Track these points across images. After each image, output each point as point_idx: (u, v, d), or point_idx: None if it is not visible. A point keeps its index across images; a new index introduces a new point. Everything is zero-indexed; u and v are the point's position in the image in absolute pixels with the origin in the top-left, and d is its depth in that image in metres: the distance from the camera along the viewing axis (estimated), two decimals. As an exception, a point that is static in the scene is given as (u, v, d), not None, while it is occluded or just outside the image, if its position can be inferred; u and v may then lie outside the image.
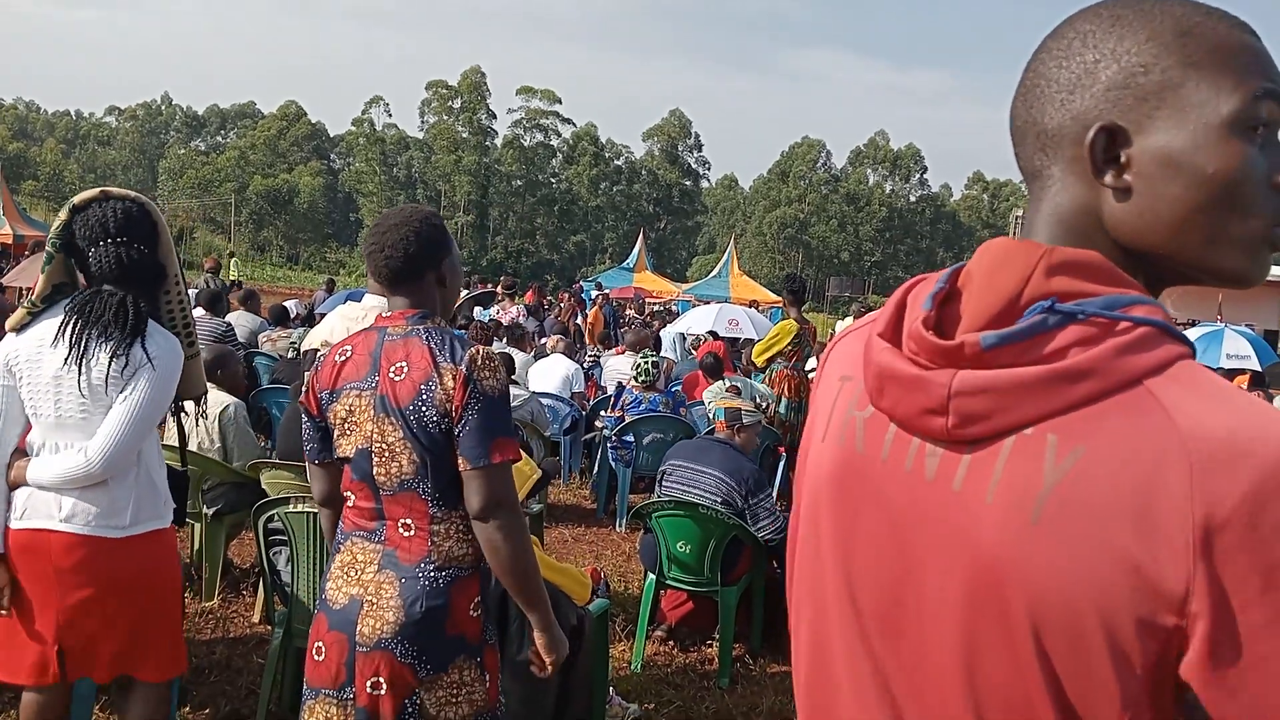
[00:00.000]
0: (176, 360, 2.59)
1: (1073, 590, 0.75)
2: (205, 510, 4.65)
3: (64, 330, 2.45)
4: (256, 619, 4.52)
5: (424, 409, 2.06)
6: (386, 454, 2.09)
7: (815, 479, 0.99)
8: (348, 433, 2.15)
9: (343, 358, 2.20)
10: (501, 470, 2.08)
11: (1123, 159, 0.84)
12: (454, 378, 2.06)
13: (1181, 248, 0.85)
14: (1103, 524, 0.74)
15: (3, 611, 2.50)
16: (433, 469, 2.08)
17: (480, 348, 2.13)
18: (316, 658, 2.14)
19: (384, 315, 2.22)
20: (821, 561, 0.98)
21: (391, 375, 2.10)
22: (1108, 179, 0.85)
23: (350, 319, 3.40)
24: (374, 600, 2.08)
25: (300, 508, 3.29)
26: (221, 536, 4.75)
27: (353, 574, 2.13)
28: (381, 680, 2.06)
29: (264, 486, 4.22)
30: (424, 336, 2.14)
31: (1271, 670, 0.70)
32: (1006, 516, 0.79)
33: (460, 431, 2.06)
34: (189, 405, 2.95)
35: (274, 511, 3.35)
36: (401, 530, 2.11)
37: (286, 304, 12.20)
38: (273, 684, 3.43)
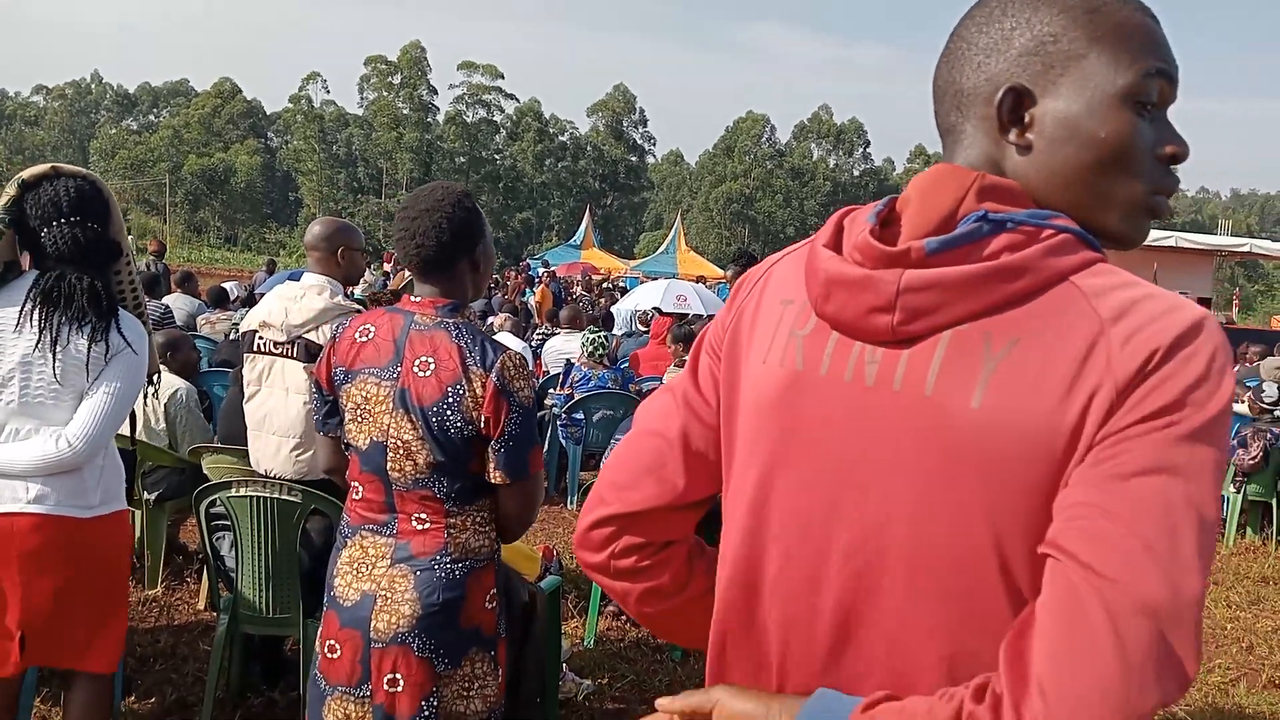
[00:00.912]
0: (146, 343, 2.58)
1: (1014, 457, 0.84)
2: (146, 496, 4.55)
3: (30, 316, 2.39)
4: (201, 606, 4.44)
5: (448, 412, 2.00)
6: (401, 451, 2.03)
7: (758, 399, 1.02)
8: (361, 421, 2.07)
9: (364, 338, 2.10)
10: (538, 478, 2.11)
11: (1027, 119, 0.94)
12: (484, 385, 2.00)
13: (1071, 204, 0.93)
14: (1039, 398, 0.83)
15: None
16: (449, 470, 2.03)
17: (510, 353, 2.06)
18: (330, 655, 2.08)
19: (414, 299, 2.14)
20: (761, 478, 1.02)
21: (416, 370, 2.02)
22: (1012, 136, 0.94)
23: (288, 299, 3.33)
24: (388, 595, 2.02)
25: (243, 491, 3.23)
26: (163, 522, 4.67)
27: (363, 570, 2.07)
28: (399, 677, 2.01)
29: (205, 471, 4.14)
30: (453, 333, 2.05)
31: (1141, 441, 0.80)
32: (950, 401, 0.87)
33: (501, 447, 2.02)
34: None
35: (216, 496, 3.28)
36: (415, 524, 2.06)
37: (225, 286, 11.93)
38: (219, 671, 3.38)
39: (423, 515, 2.05)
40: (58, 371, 2.40)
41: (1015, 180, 0.94)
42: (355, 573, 2.08)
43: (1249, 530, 7.19)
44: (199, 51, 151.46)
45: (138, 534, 4.82)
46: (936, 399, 0.88)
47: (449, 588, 2.02)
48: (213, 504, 3.31)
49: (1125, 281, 0.87)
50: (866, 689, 0.91)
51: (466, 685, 2.07)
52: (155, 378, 2.88)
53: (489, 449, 2.04)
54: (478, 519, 2.08)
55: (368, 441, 2.06)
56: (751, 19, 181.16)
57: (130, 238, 2.69)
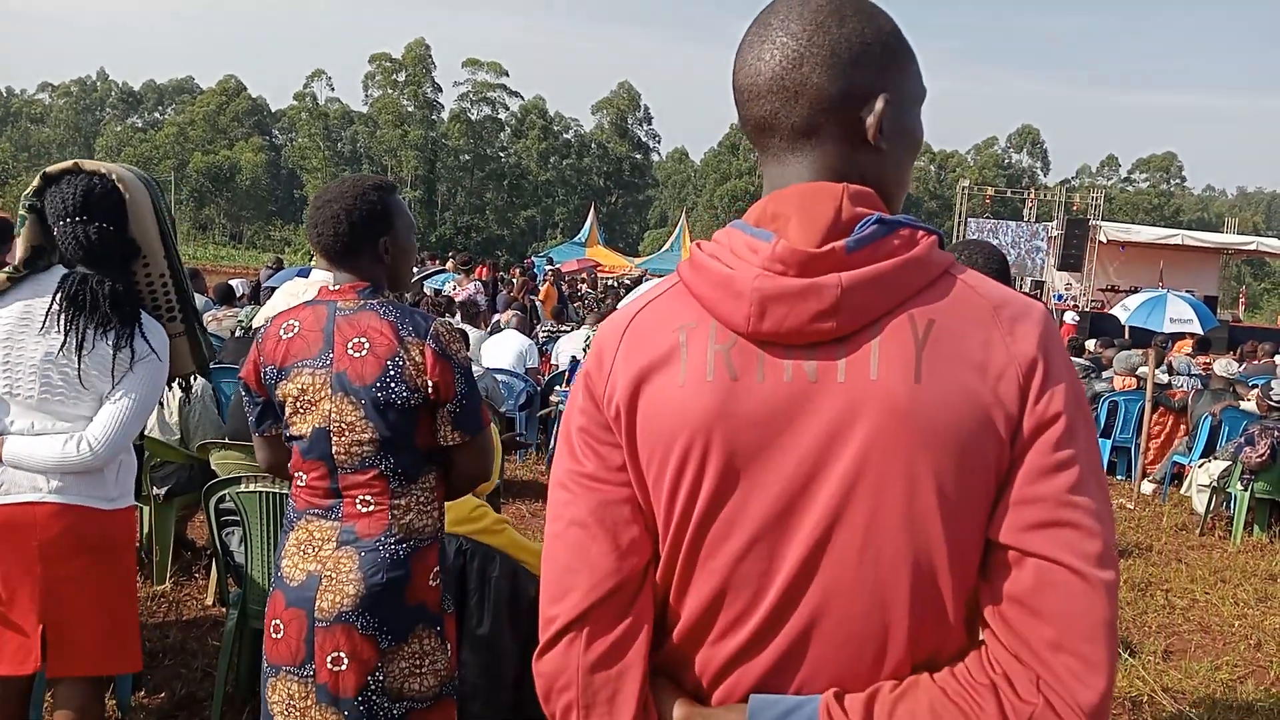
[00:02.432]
0: (167, 348, 2.59)
1: (952, 425, 0.94)
2: (155, 491, 4.57)
3: (55, 317, 2.40)
4: (209, 601, 4.46)
5: (392, 384, 2.04)
6: (346, 432, 2.06)
7: (687, 416, 1.00)
8: (301, 411, 2.10)
9: (289, 334, 2.13)
10: (489, 432, 2.20)
11: (885, 127, 1.02)
12: (422, 352, 2.05)
13: (892, 197, 1.06)
14: (962, 370, 0.94)
15: None
16: (395, 446, 2.07)
17: (442, 320, 2.13)
18: (275, 635, 2.11)
19: (331, 288, 2.17)
20: (714, 487, 1.00)
21: (350, 352, 2.06)
22: (880, 143, 1.03)
23: (293, 295, 3.36)
24: (333, 575, 2.06)
25: (252, 487, 3.24)
26: (171, 518, 4.68)
27: (309, 551, 2.10)
28: (343, 655, 2.04)
29: (213, 467, 4.15)
30: (381, 311, 2.10)
31: (1071, 432, 0.95)
32: (896, 382, 0.94)
33: (456, 408, 2.10)
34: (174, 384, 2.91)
35: (225, 491, 3.30)
36: (360, 506, 2.09)
37: (232, 283, 11.96)
38: (229, 666, 3.39)
39: (367, 498, 2.09)
40: (81, 374, 2.42)
41: (866, 179, 1.03)
42: (301, 553, 2.11)
43: (1256, 528, 7.18)
44: (204, 49, 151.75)
45: (145, 530, 4.85)
46: (883, 381, 0.95)
47: (393, 567, 2.06)
48: (222, 499, 3.33)
49: (984, 276, 1.02)
50: (820, 651, 0.99)
51: (416, 662, 2.11)
52: (192, 378, 2.87)
53: (442, 412, 2.10)
54: (420, 499, 2.13)
55: (310, 429, 2.09)
56: (752, 12, 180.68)
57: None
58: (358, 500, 2.09)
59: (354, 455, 2.07)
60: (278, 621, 2.11)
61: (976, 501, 0.95)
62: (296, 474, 2.16)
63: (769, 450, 0.98)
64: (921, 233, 0.99)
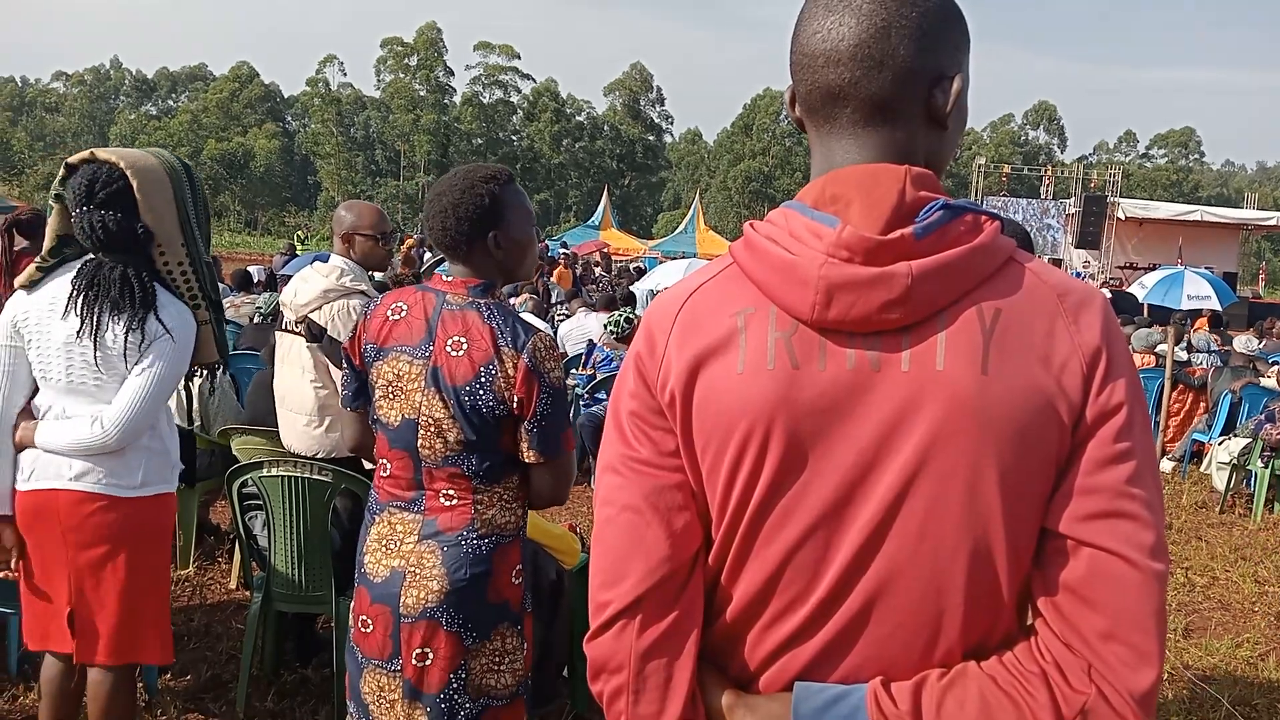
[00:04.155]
0: (191, 330, 2.59)
1: (1018, 416, 0.93)
2: (176, 478, 4.61)
3: (74, 302, 2.44)
4: (233, 585, 4.51)
5: (481, 391, 2.02)
6: (433, 428, 2.05)
7: (746, 404, 0.99)
8: (393, 398, 2.09)
9: (396, 316, 2.12)
10: (571, 457, 2.14)
11: (953, 108, 1.03)
12: (515, 366, 2.02)
13: (941, 172, 1.06)
14: (1027, 364, 0.94)
15: (12, 573, 2.53)
16: (480, 448, 2.05)
17: (541, 334, 2.08)
18: (364, 630, 2.13)
19: (445, 279, 2.15)
20: (772, 475, 0.99)
21: (449, 349, 2.05)
22: (948, 123, 1.03)
23: (302, 279, 3.40)
24: (416, 571, 2.06)
25: (274, 471, 3.26)
26: (194, 503, 4.72)
27: (391, 546, 2.10)
28: (428, 651, 2.05)
29: (235, 452, 4.19)
30: (485, 313, 2.07)
31: (1130, 423, 0.95)
32: (963, 373, 0.94)
33: (534, 427, 2.05)
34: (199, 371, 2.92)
35: (248, 476, 3.32)
36: (443, 500, 2.08)
37: (249, 269, 12.03)
38: (253, 649, 3.43)
39: (450, 492, 2.08)
40: (98, 359, 2.45)
41: (926, 157, 1.03)
42: (384, 549, 2.11)
43: (1277, 505, 7.14)
44: (216, 35, 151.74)
45: (169, 515, 4.90)
46: (949, 372, 0.94)
47: (476, 563, 2.05)
48: (244, 484, 3.35)
49: (1046, 264, 1.02)
50: (870, 640, 0.99)
51: (496, 659, 2.10)
52: (217, 368, 2.83)
53: (522, 429, 2.06)
54: (504, 496, 2.11)
55: (399, 418, 2.08)
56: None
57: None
58: (441, 494, 2.08)
59: (438, 451, 2.06)
60: (365, 617, 2.12)
61: (1036, 490, 0.96)
62: (381, 461, 2.15)
63: (829, 439, 0.97)
64: (985, 218, 0.98)
